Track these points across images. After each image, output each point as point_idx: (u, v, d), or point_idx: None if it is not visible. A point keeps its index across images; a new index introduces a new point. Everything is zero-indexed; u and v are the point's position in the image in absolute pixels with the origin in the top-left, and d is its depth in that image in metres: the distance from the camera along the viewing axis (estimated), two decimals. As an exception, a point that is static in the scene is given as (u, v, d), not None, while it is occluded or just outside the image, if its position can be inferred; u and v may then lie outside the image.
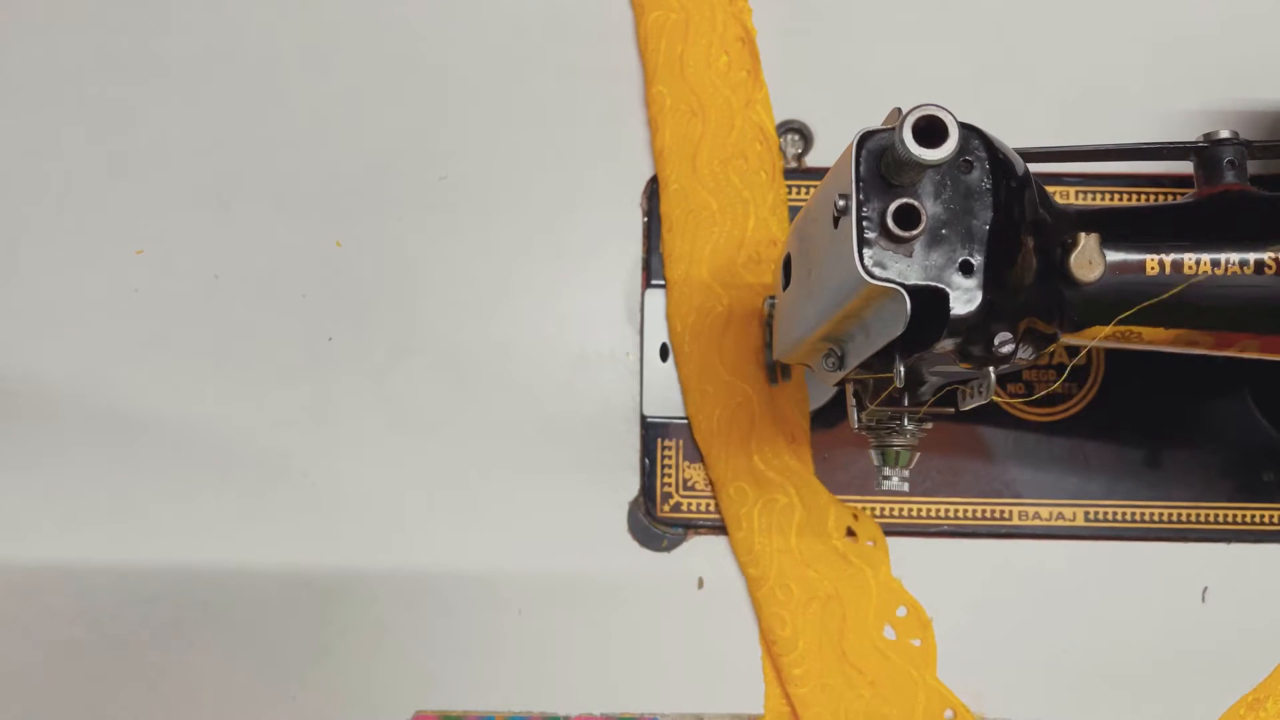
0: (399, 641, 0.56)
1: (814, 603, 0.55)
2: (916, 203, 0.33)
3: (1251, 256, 0.40)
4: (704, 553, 0.57)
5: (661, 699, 0.56)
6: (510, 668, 0.56)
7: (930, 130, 0.32)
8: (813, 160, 0.59)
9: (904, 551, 0.56)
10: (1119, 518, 0.56)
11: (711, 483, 0.56)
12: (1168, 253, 0.40)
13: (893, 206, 0.33)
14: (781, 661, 0.55)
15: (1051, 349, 0.41)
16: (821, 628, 0.55)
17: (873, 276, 0.34)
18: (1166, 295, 0.40)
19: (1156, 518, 0.56)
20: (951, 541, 0.56)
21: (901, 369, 0.37)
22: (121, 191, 0.59)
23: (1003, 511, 0.56)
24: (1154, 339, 0.42)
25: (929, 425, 0.46)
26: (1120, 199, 0.58)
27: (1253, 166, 0.45)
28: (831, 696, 0.54)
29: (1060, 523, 0.56)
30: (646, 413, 0.57)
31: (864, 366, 0.39)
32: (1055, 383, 0.55)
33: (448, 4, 0.60)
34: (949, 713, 0.55)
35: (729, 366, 0.56)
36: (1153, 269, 0.40)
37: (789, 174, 0.58)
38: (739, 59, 0.58)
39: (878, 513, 0.56)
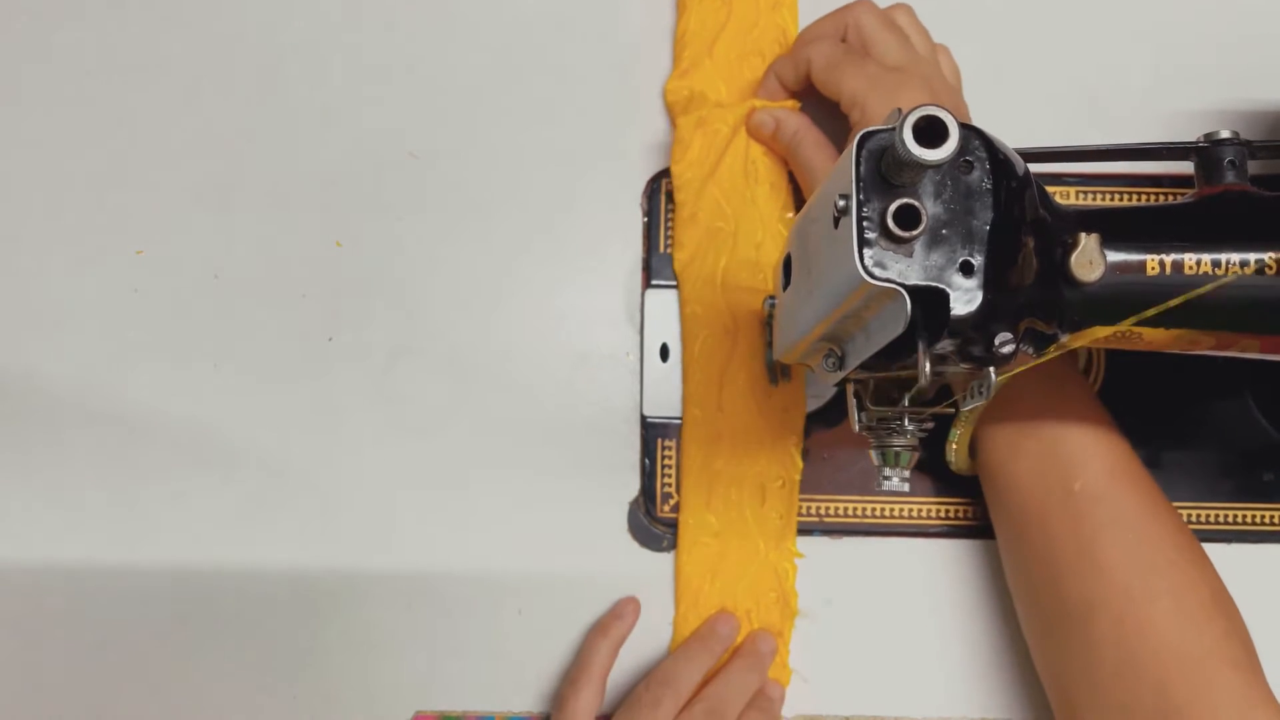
0: (399, 641, 0.56)
1: (699, 545, 0.56)
2: (917, 203, 0.33)
3: (1251, 256, 0.40)
4: (704, 553, 0.56)
5: (661, 699, 0.56)
6: (510, 668, 0.56)
7: (930, 130, 0.31)
8: (813, 160, 0.59)
9: (904, 551, 0.56)
10: (1119, 518, 0.55)
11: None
12: (1168, 253, 0.40)
13: (893, 206, 0.33)
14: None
15: (1051, 349, 0.41)
16: (701, 563, 0.56)
17: (873, 276, 0.34)
18: (1202, 291, 0.40)
19: (1156, 518, 0.55)
20: (951, 541, 0.57)
21: (927, 365, 0.36)
22: (121, 191, 0.59)
23: (1003, 511, 0.56)
24: (1154, 339, 0.42)
25: (929, 425, 0.46)
26: (1120, 199, 0.58)
27: (1253, 166, 0.45)
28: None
29: (1060, 523, 0.55)
30: (646, 413, 0.57)
31: (864, 366, 0.39)
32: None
33: (447, 4, 0.60)
34: None
35: (725, 286, 0.56)
36: (1153, 269, 0.40)
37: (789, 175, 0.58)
38: None
39: (878, 513, 0.56)
